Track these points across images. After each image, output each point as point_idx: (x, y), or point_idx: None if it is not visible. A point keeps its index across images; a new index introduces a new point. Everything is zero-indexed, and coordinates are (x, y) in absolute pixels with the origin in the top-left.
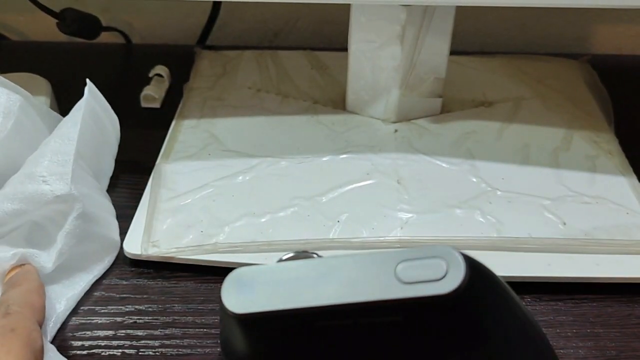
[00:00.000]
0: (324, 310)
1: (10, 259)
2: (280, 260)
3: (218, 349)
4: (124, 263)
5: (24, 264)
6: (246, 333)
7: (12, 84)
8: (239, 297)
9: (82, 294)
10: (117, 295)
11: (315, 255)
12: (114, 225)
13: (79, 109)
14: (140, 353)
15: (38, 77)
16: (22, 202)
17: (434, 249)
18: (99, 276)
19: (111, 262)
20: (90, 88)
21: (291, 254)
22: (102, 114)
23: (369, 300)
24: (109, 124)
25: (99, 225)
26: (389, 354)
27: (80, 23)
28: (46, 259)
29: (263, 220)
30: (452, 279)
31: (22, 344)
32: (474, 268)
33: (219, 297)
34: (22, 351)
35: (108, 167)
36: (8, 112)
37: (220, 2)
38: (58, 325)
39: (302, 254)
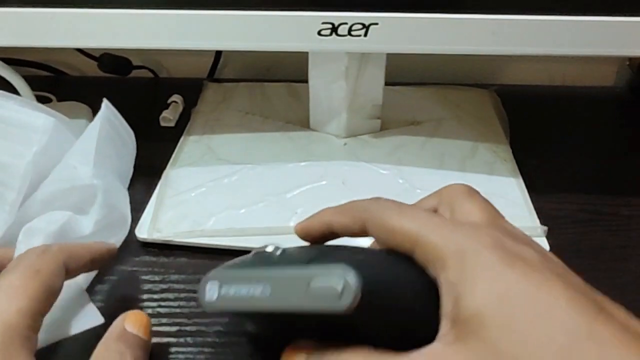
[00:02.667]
0: (260, 313)
1: (62, 217)
2: (255, 251)
3: (199, 309)
4: (135, 244)
5: None
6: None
7: (49, 109)
8: (207, 297)
9: None
10: (128, 268)
11: (278, 253)
12: (127, 207)
13: (97, 119)
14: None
15: (82, 104)
16: (61, 182)
17: (339, 268)
18: (117, 246)
19: (125, 234)
20: (106, 104)
21: (259, 248)
22: (119, 125)
23: (287, 310)
24: (126, 134)
25: (117, 204)
26: None
27: (114, 64)
28: (86, 225)
29: (241, 211)
30: (345, 298)
31: (41, 286)
32: (369, 279)
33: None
34: (39, 292)
35: (128, 169)
36: (44, 130)
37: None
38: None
39: (266, 251)
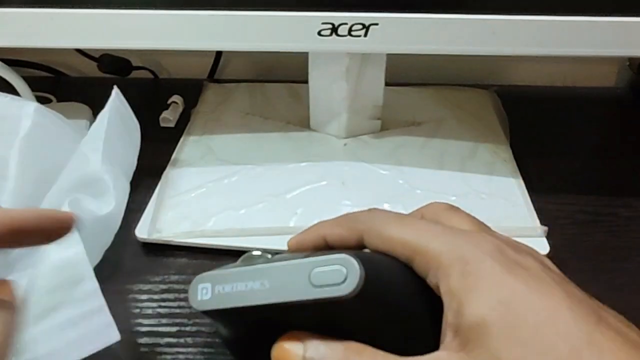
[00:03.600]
0: (257, 308)
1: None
2: (243, 257)
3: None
4: (135, 244)
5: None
6: (213, 320)
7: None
8: (200, 296)
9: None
10: (128, 269)
11: (269, 256)
12: (124, 203)
13: (107, 106)
14: (142, 312)
15: (82, 105)
16: (77, 171)
17: (339, 258)
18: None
19: (115, 230)
20: (116, 92)
21: (249, 254)
22: (126, 114)
23: (288, 301)
24: (132, 124)
25: (117, 198)
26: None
27: (114, 65)
28: (97, 206)
29: (241, 212)
30: (349, 285)
31: None
32: (369, 270)
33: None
34: None
35: (133, 160)
36: (26, 116)
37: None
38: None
39: (255, 255)
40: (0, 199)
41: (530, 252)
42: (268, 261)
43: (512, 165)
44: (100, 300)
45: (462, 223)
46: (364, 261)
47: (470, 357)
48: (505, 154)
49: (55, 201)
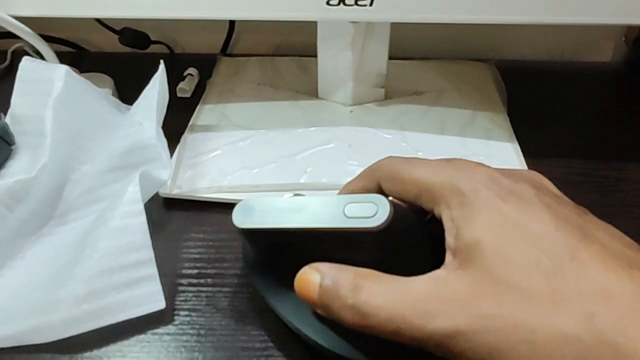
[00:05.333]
0: (294, 231)
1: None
2: None
3: (217, 255)
4: (158, 199)
5: None
6: (249, 241)
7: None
8: (243, 217)
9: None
10: (152, 221)
11: (303, 194)
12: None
13: (156, 78)
14: (165, 258)
15: (104, 75)
16: (130, 137)
17: (371, 196)
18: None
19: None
20: (163, 66)
21: (291, 194)
22: (165, 86)
23: (324, 226)
24: (166, 94)
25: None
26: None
27: (134, 38)
28: (163, 172)
29: (254, 171)
30: (378, 218)
31: None
32: (396, 211)
33: (230, 217)
34: None
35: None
36: (59, 78)
37: (234, 21)
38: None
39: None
40: (40, 153)
41: (526, 178)
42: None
43: (509, 131)
44: (153, 269)
45: None
46: (392, 203)
47: (466, 273)
48: (502, 121)
49: (108, 163)
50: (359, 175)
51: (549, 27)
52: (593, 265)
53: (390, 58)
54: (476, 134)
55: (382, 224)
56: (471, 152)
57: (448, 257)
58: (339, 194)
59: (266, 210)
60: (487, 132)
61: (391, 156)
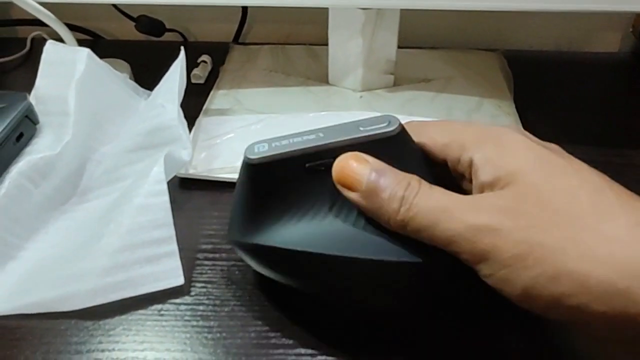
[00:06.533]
0: (312, 152)
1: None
2: None
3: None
4: (174, 178)
5: None
6: (258, 177)
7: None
8: (256, 150)
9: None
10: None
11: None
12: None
13: (177, 62)
14: (180, 234)
15: (122, 60)
16: (152, 119)
17: (382, 116)
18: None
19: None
20: (183, 52)
21: None
22: (184, 72)
23: (342, 139)
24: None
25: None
26: None
27: (150, 25)
28: (184, 153)
29: None
30: (392, 127)
31: None
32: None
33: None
34: None
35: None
36: (81, 60)
37: (247, 7)
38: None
39: None
40: (63, 132)
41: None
42: None
43: (515, 118)
44: (174, 246)
45: None
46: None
47: (510, 192)
48: (509, 108)
49: (131, 143)
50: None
51: (557, 17)
52: (627, 193)
53: (399, 47)
54: (482, 120)
55: (398, 128)
56: None
57: (487, 189)
58: None
59: (280, 141)
60: (494, 118)
61: (413, 121)
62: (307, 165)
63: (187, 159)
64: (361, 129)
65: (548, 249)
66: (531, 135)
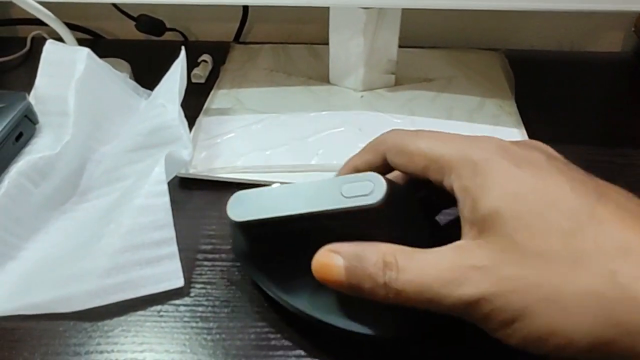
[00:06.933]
0: (294, 218)
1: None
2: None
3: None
4: (174, 178)
5: None
6: (245, 235)
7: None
8: (238, 210)
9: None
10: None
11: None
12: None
13: (178, 62)
14: (180, 234)
15: (122, 60)
16: (152, 119)
17: (367, 175)
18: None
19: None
20: (184, 52)
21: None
22: (185, 71)
23: (322, 209)
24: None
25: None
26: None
27: (150, 24)
28: (185, 153)
29: (267, 152)
30: (376, 195)
31: None
32: (392, 187)
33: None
34: None
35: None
36: (81, 60)
37: (248, 7)
38: None
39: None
40: (63, 131)
41: (535, 146)
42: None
43: (517, 117)
44: (174, 248)
45: None
46: (387, 179)
47: (487, 242)
48: (510, 108)
49: (131, 143)
50: (362, 150)
51: (558, 17)
52: (611, 223)
53: (400, 47)
54: (484, 120)
55: (381, 199)
56: None
57: (465, 227)
58: (340, 169)
59: (261, 200)
60: (495, 118)
61: (395, 129)
62: (290, 233)
63: (187, 159)
64: (344, 195)
65: (533, 312)
66: (510, 147)
